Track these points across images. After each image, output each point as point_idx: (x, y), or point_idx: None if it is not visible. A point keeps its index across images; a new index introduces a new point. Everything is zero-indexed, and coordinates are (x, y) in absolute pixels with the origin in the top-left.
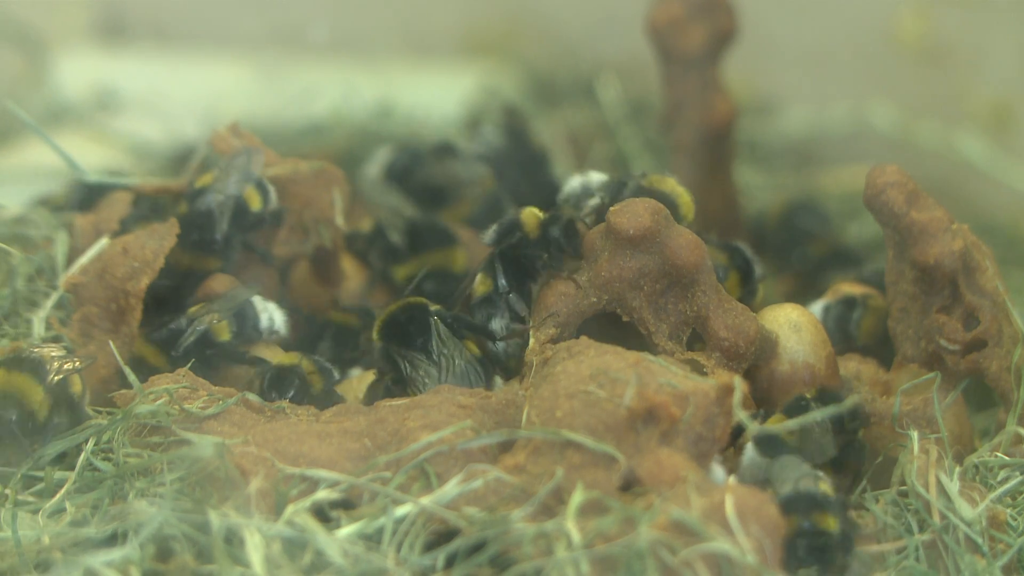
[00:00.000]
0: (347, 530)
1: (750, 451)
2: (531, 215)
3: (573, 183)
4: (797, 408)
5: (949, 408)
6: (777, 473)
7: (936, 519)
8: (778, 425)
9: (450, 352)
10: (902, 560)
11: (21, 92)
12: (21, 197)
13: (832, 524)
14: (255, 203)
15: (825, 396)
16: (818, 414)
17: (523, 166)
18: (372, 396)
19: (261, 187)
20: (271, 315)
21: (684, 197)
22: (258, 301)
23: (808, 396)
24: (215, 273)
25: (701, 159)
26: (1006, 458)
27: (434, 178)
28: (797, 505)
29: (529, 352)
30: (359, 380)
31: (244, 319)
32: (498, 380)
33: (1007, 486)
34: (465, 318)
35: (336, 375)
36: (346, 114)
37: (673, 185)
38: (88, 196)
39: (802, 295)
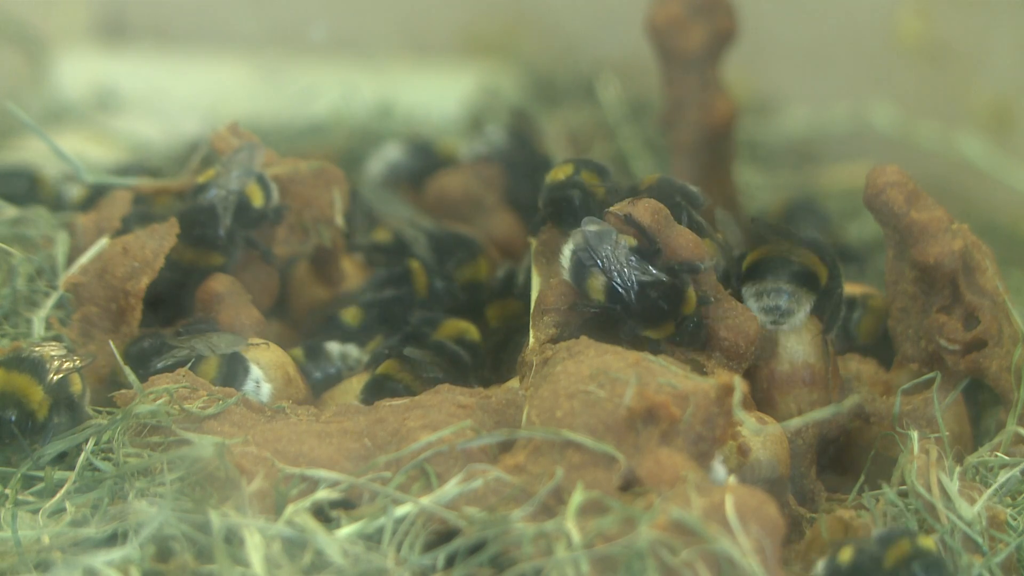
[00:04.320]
0: (347, 530)
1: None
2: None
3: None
4: None
5: (949, 408)
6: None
7: (937, 519)
8: None
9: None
10: None
11: (21, 92)
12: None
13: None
14: (257, 199)
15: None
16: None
17: (524, 169)
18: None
19: (263, 182)
20: (259, 382)
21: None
22: (254, 368)
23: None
24: (216, 271)
25: (701, 159)
26: (1006, 458)
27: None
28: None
29: (529, 352)
30: (357, 380)
31: (232, 376)
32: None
33: (1007, 486)
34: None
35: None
36: (346, 114)
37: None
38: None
39: None
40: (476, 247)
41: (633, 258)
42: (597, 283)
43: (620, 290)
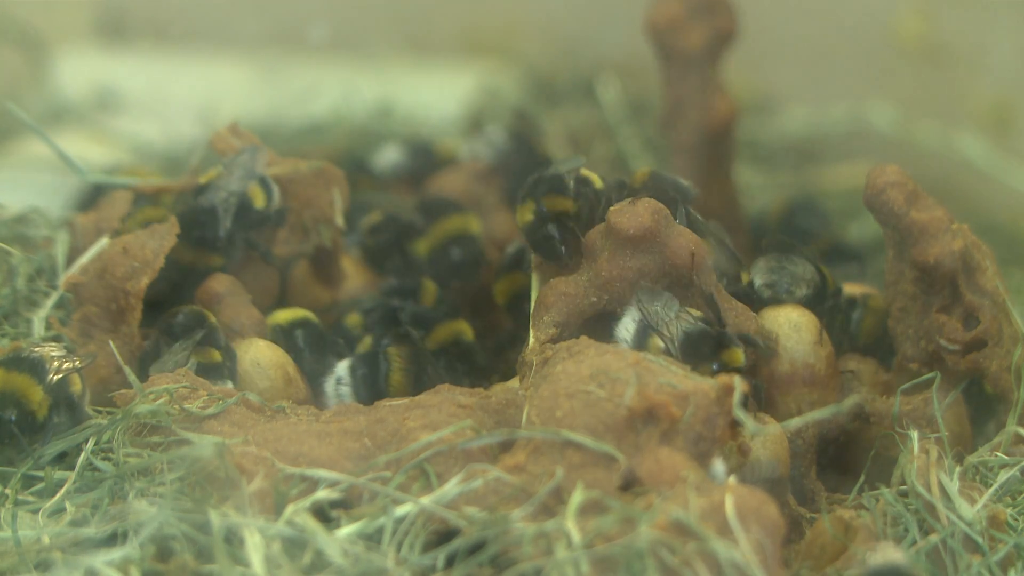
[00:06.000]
0: (347, 530)
1: None
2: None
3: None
4: None
5: (949, 408)
6: None
7: (937, 519)
8: None
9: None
10: None
11: (21, 92)
12: (20, 196)
13: None
14: (259, 200)
15: None
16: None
17: (524, 169)
18: None
19: (265, 184)
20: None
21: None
22: None
23: None
24: (216, 271)
25: (701, 159)
26: (1006, 458)
27: None
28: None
29: (529, 352)
30: None
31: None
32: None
33: (1007, 486)
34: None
35: None
36: (346, 114)
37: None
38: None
39: None
40: (461, 205)
41: (685, 313)
42: (656, 346)
43: (666, 344)
